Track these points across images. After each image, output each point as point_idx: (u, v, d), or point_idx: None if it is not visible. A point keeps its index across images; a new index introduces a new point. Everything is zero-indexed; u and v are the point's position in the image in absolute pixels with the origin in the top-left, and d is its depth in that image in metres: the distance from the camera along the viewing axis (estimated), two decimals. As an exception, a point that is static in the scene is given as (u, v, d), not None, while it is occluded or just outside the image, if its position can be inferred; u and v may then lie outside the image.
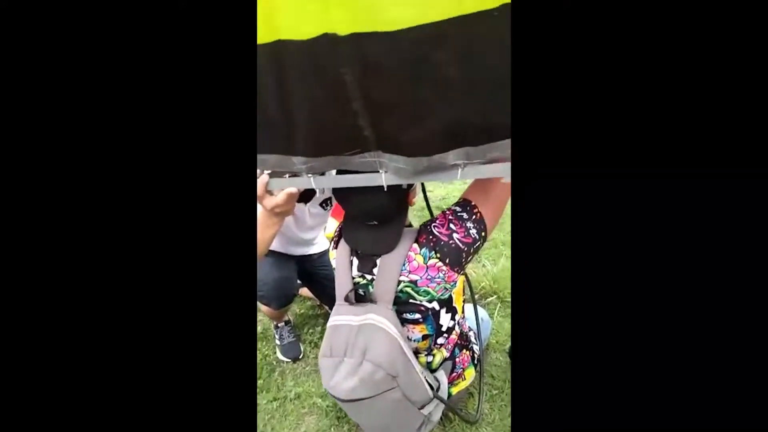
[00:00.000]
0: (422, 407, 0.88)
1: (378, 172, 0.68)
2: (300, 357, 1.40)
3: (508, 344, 1.33)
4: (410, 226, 0.90)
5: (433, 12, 0.45)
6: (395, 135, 0.61)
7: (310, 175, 0.69)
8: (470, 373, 1.05)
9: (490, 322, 1.36)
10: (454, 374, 1.00)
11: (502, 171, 0.65)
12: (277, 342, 1.42)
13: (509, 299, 1.61)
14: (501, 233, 2.32)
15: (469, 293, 1.14)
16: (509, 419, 1.10)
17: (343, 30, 0.49)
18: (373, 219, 0.80)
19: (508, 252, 2.05)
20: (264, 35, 0.52)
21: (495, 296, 1.62)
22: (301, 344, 1.45)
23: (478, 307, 1.38)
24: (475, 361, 1.06)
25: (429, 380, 0.86)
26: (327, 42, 0.50)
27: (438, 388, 0.89)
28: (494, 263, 1.91)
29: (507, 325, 1.48)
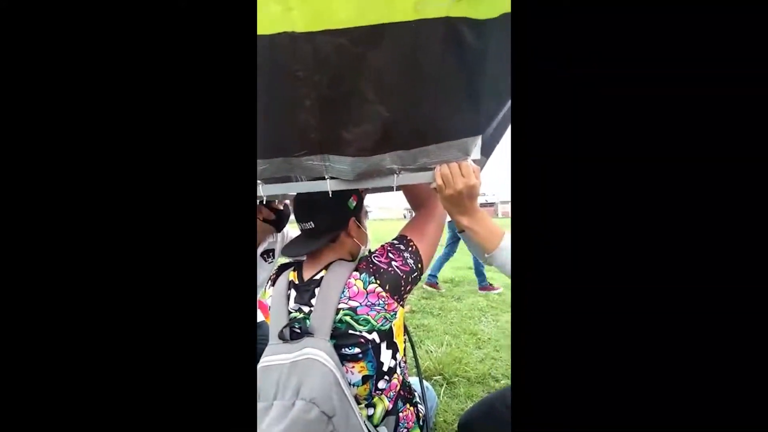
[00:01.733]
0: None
1: (324, 178, 0.72)
2: None
3: (455, 424, 1.23)
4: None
5: (368, 16, 0.54)
6: (339, 134, 0.67)
7: (260, 182, 0.72)
8: (416, 438, 0.95)
9: (435, 393, 1.27)
10: (404, 430, 0.90)
11: (428, 177, 0.72)
12: None
13: (454, 380, 1.54)
14: (444, 324, 2.32)
15: (414, 363, 1.10)
16: None
17: (300, 28, 0.56)
18: (309, 217, 0.82)
19: (450, 339, 2.03)
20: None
21: (440, 376, 1.55)
22: None
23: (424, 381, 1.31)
24: (421, 422, 0.96)
25: (369, 428, 0.76)
26: (285, 39, 0.55)
27: (380, 442, 0.79)
28: (438, 348, 1.87)
29: (454, 405, 1.38)
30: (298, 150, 0.70)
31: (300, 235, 0.87)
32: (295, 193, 0.88)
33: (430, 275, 3.36)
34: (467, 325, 2.27)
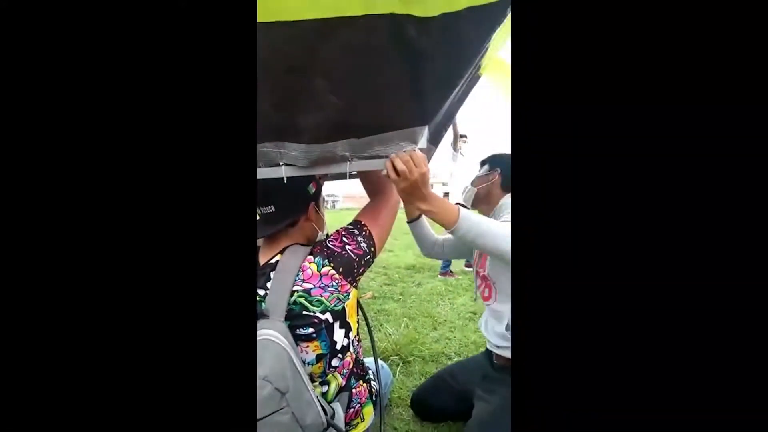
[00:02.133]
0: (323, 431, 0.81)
1: (279, 165, 0.75)
2: None
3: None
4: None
5: (318, 10, 0.56)
6: (293, 121, 0.70)
7: None
8: (369, 413, 1.00)
9: (390, 372, 1.34)
10: (351, 410, 0.94)
11: (380, 164, 0.76)
12: None
13: (410, 359, 1.62)
14: (403, 308, 2.41)
15: (371, 344, 1.15)
16: None
17: (258, 18, 0.56)
18: (269, 201, 0.84)
19: (408, 322, 2.11)
20: None
21: (396, 356, 1.62)
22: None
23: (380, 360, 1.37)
24: (374, 398, 1.02)
25: (323, 404, 0.81)
26: None
27: (333, 416, 0.84)
28: (396, 330, 1.94)
29: (408, 382, 1.46)
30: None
31: (259, 218, 0.89)
32: None
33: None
34: (425, 308, 2.37)
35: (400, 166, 0.76)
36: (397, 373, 1.51)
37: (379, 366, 1.20)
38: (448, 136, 3.30)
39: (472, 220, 0.85)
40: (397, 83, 0.67)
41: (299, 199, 0.87)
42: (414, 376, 1.50)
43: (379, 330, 1.98)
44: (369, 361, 1.14)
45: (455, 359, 1.61)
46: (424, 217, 1.30)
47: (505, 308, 1.07)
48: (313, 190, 0.89)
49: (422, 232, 1.31)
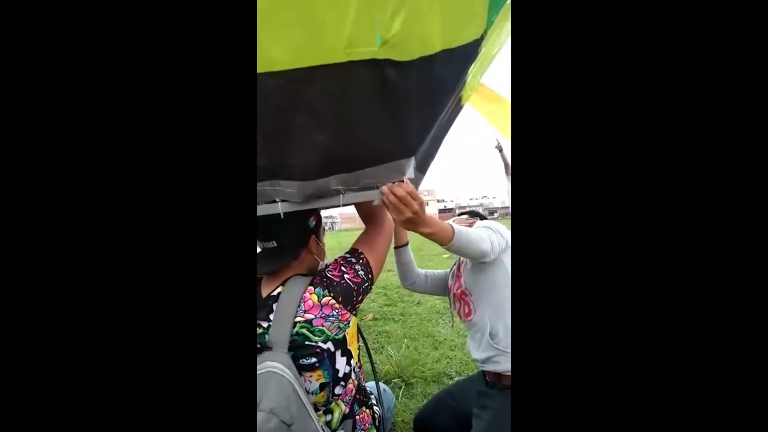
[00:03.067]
0: (324, 465, 0.82)
1: (276, 201, 0.79)
2: None
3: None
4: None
5: (302, 60, 0.61)
6: (285, 161, 0.72)
7: None
8: (373, 437, 1.02)
9: (392, 395, 1.35)
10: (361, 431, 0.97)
11: (374, 195, 0.81)
12: None
13: (412, 381, 1.63)
14: (403, 329, 2.42)
15: (371, 368, 1.18)
16: None
17: None
18: (271, 237, 0.88)
19: (409, 342, 2.13)
20: None
21: (399, 378, 1.63)
22: None
23: (381, 384, 1.39)
24: (377, 423, 1.04)
25: (327, 432, 0.83)
26: None
27: (338, 444, 0.85)
28: (397, 352, 1.95)
29: (411, 405, 1.47)
30: None
31: (261, 252, 0.92)
32: None
33: None
34: (425, 327, 2.38)
35: (401, 193, 0.79)
36: (400, 395, 1.52)
37: (381, 390, 1.21)
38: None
39: (462, 232, 0.93)
40: (381, 121, 0.72)
41: (301, 233, 0.91)
42: (416, 398, 1.51)
43: (381, 352, 1.99)
44: (371, 385, 1.15)
45: (456, 378, 1.63)
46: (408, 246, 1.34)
47: (485, 317, 1.10)
48: (314, 223, 0.94)
49: (408, 260, 1.34)
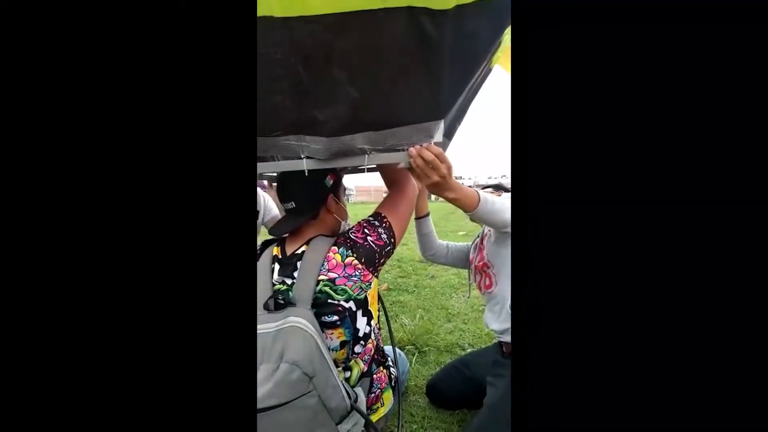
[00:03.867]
0: (340, 422, 0.85)
1: (300, 158, 0.79)
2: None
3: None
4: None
5: (339, 4, 0.58)
6: (313, 115, 0.70)
7: None
8: (388, 398, 1.04)
9: (407, 361, 1.38)
10: (372, 396, 0.99)
11: (400, 157, 0.79)
12: None
13: (425, 349, 1.66)
14: (418, 300, 2.44)
15: (388, 333, 1.20)
16: None
17: (277, 12, 0.60)
18: (290, 198, 0.89)
19: (423, 313, 2.15)
20: None
21: (413, 346, 1.66)
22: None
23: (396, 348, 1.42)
24: (392, 383, 1.07)
25: (347, 388, 0.85)
26: (263, 23, 0.58)
27: (356, 400, 0.88)
28: (411, 321, 1.98)
29: (424, 371, 1.50)
30: (276, 130, 0.75)
31: (284, 215, 0.93)
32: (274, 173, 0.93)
33: None
34: (439, 300, 2.40)
35: (429, 156, 0.77)
36: (413, 362, 1.55)
37: (397, 354, 1.24)
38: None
39: (488, 200, 0.91)
40: (413, 78, 0.69)
41: (318, 192, 0.91)
42: (429, 365, 1.54)
43: (395, 320, 2.02)
44: (387, 349, 1.18)
45: (468, 350, 1.65)
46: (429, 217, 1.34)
47: (506, 289, 1.10)
48: (331, 182, 0.93)
49: (428, 231, 1.34)
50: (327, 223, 0.96)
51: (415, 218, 1.32)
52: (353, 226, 0.94)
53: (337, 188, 0.97)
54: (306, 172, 0.82)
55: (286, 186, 0.90)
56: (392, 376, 1.08)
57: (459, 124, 0.95)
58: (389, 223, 0.94)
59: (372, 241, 0.90)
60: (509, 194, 1.10)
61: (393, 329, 1.82)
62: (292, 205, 0.91)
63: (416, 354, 1.61)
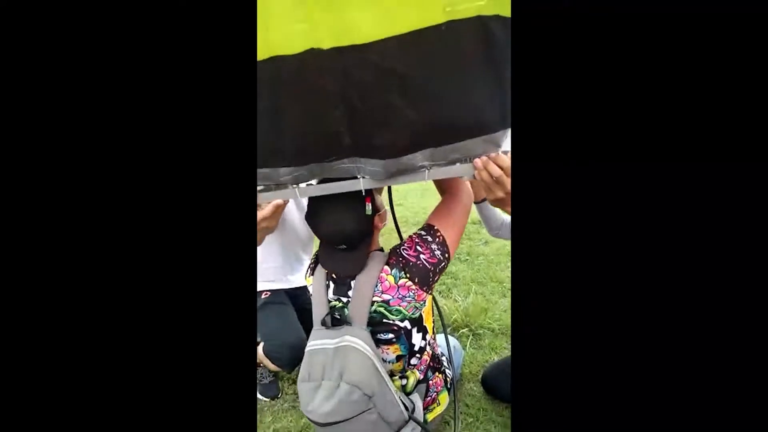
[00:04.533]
0: (398, 430, 0.89)
1: (357, 177, 0.76)
2: (278, 395, 1.38)
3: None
4: (381, 250, 0.97)
5: (395, 27, 0.55)
6: (369, 139, 0.68)
7: (294, 186, 0.76)
8: (444, 398, 1.08)
9: (462, 351, 1.40)
10: (429, 398, 1.02)
11: (464, 170, 0.73)
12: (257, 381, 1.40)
13: (480, 332, 1.66)
14: (471, 270, 2.42)
15: (440, 321, 1.20)
16: None
17: (326, 44, 0.58)
18: (341, 243, 0.86)
19: (477, 288, 2.13)
20: (260, 53, 0.59)
21: (467, 328, 1.67)
22: (279, 382, 1.43)
23: (450, 336, 1.43)
24: (449, 385, 1.09)
25: (404, 401, 0.88)
26: (313, 56, 0.59)
27: (413, 410, 0.91)
28: (465, 298, 1.98)
29: (479, 356, 1.52)
30: (330, 156, 0.72)
31: (336, 254, 0.90)
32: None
33: None
34: (493, 271, 2.36)
35: (496, 172, 0.69)
36: (468, 346, 1.57)
37: (452, 347, 1.25)
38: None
39: None
40: (482, 86, 0.63)
41: (364, 225, 0.87)
42: (484, 350, 1.54)
43: (448, 296, 2.03)
44: (441, 343, 1.19)
45: (526, 333, 1.62)
46: None
47: None
48: (370, 206, 0.87)
49: (489, 213, 1.26)
50: (375, 241, 0.94)
51: (474, 203, 1.26)
52: (405, 242, 0.91)
53: (376, 206, 0.92)
54: (363, 191, 0.78)
55: (329, 226, 0.86)
56: (448, 379, 1.10)
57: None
58: (442, 237, 0.90)
59: (425, 260, 0.87)
60: None
61: (446, 307, 1.83)
62: (343, 247, 0.88)
63: (470, 337, 1.62)
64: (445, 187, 0.99)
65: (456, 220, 0.93)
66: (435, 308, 1.22)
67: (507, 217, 1.27)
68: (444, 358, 1.15)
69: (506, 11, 0.53)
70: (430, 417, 1.06)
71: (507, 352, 1.55)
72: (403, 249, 0.89)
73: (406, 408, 0.88)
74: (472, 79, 0.61)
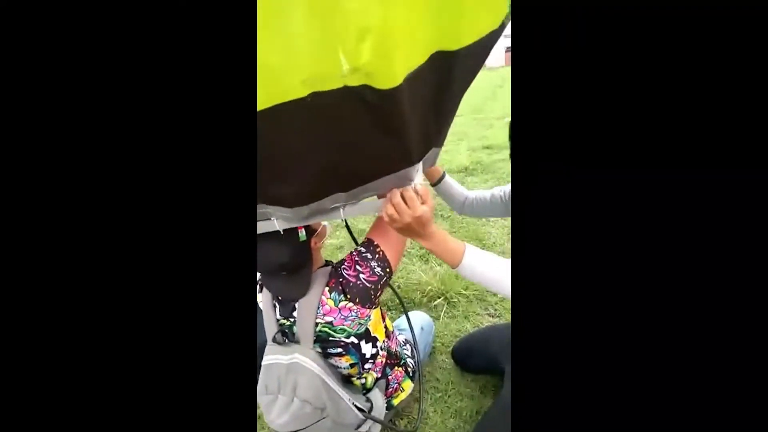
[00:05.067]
0: (358, 427, 0.96)
1: (270, 219, 0.73)
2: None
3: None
4: (329, 263, 0.97)
5: (261, 102, 0.48)
6: (273, 190, 0.64)
7: None
8: (408, 385, 1.14)
9: (432, 327, 1.45)
10: (391, 389, 1.09)
11: (376, 207, 0.71)
12: None
13: (455, 300, 1.71)
14: (450, 227, 2.42)
15: (402, 307, 1.23)
16: (451, 420, 1.19)
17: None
18: (279, 272, 0.85)
19: (457, 249, 2.16)
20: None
21: (442, 297, 1.72)
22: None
23: (421, 314, 1.48)
24: (410, 374, 1.15)
25: (358, 404, 0.94)
26: None
27: (371, 409, 0.97)
28: (442, 265, 2.01)
29: (453, 325, 1.57)
30: None
31: (277, 278, 0.89)
32: None
33: None
34: (473, 228, 2.36)
35: (390, 211, 0.70)
36: (442, 315, 1.62)
37: (420, 330, 1.30)
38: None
39: (477, 261, 0.77)
40: (373, 141, 0.57)
41: (298, 252, 0.85)
42: (458, 319, 1.60)
43: (427, 261, 2.06)
44: (406, 331, 1.23)
45: (499, 297, 1.67)
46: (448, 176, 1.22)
47: None
48: (303, 232, 0.84)
49: (450, 191, 1.24)
50: (318, 256, 0.93)
51: (431, 185, 1.23)
52: (345, 260, 0.90)
53: (311, 228, 0.89)
54: (281, 231, 0.77)
55: (267, 256, 0.84)
56: (409, 369, 1.15)
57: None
58: (382, 253, 0.88)
59: (365, 279, 0.86)
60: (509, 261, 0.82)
61: (423, 279, 1.87)
62: (284, 273, 0.87)
63: (445, 307, 1.67)
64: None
65: (395, 235, 0.91)
66: (396, 297, 1.25)
67: (471, 193, 1.24)
68: (408, 346, 1.20)
69: (380, 83, 0.46)
70: (396, 401, 1.14)
71: (480, 318, 1.61)
72: (343, 269, 0.88)
73: (361, 410, 0.94)
74: (361, 137, 0.56)
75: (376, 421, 0.97)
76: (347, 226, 1.09)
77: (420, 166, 0.68)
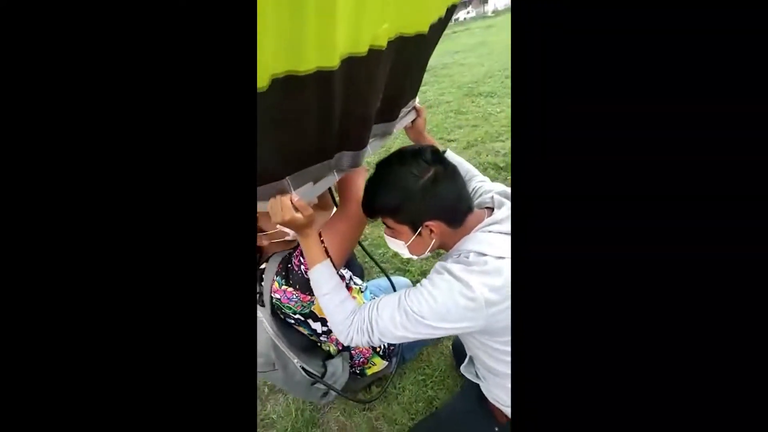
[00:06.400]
0: (314, 384, 1.11)
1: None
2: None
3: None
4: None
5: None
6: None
7: None
8: (379, 361, 1.21)
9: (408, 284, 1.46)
10: (359, 360, 1.18)
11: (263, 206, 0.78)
12: None
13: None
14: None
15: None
16: (420, 404, 1.19)
17: None
18: None
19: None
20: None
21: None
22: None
23: (405, 279, 1.51)
24: (381, 353, 1.21)
25: (308, 368, 1.07)
26: None
27: (323, 375, 1.10)
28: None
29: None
30: None
31: None
32: None
33: None
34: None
35: (268, 207, 0.78)
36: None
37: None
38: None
39: (320, 282, 0.86)
40: (265, 147, 0.64)
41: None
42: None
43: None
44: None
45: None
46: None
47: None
48: None
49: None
50: (277, 236, 1.04)
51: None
52: (297, 248, 0.98)
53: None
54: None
55: None
56: (377, 348, 1.21)
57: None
58: (325, 249, 0.93)
59: (305, 271, 0.94)
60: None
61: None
62: None
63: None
64: (339, 194, 0.99)
65: (342, 231, 0.93)
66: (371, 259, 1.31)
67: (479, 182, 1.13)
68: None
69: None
70: (369, 372, 1.24)
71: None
72: (293, 255, 0.97)
73: (311, 373, 1.07)
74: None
75: (326, 386, 1.09)
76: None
77: (310, 186, 0.75)
